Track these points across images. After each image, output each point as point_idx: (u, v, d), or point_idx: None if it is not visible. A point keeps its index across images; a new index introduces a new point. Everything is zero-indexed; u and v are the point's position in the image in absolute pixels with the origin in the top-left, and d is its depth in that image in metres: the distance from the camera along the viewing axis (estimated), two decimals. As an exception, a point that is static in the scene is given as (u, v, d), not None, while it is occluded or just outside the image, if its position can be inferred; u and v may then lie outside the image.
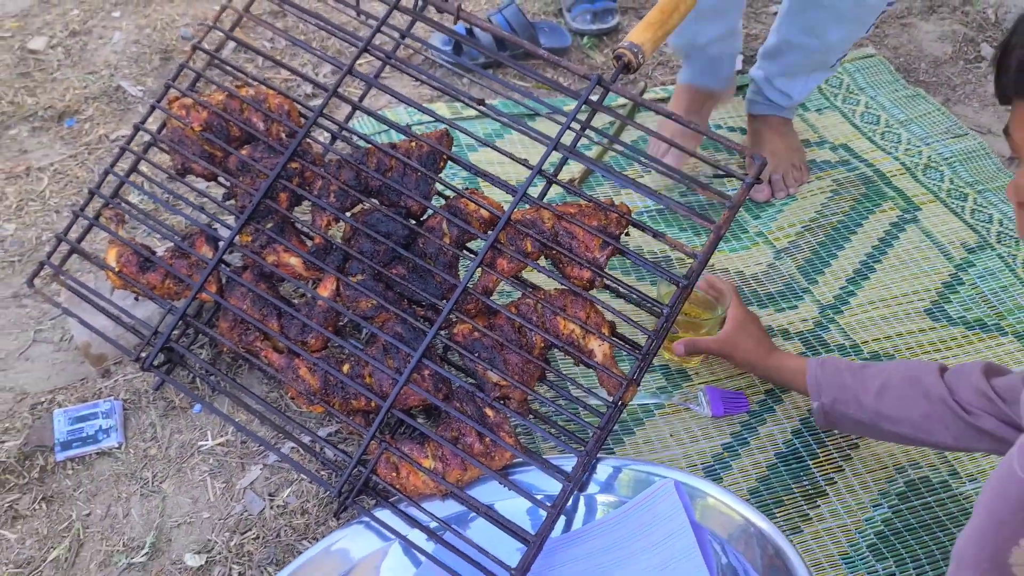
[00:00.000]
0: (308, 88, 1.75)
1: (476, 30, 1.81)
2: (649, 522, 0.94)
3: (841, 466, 1.12)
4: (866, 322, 1.31)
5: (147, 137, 1.19)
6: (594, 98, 1.03)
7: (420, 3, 1.13)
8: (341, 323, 1.12)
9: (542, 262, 1.04)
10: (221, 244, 1.09)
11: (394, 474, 0.95)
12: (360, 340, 1.18)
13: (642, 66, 1.01)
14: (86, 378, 1.19)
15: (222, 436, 1.12)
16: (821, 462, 1.12)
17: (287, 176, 1.10)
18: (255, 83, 1.19)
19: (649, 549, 0.94)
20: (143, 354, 1.09)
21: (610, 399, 0.94)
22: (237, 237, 1.08)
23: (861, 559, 1.02)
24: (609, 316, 0.99)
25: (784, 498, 1.08)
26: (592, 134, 1.47)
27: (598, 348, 0.97)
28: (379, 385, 1.00)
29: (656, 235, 0.98)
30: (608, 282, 1.00)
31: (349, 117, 1.26)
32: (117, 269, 1.11)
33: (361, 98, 1.25)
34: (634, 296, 1.02)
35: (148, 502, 1.06)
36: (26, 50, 1.77)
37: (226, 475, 1.09)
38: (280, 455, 1.01)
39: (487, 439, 0.95)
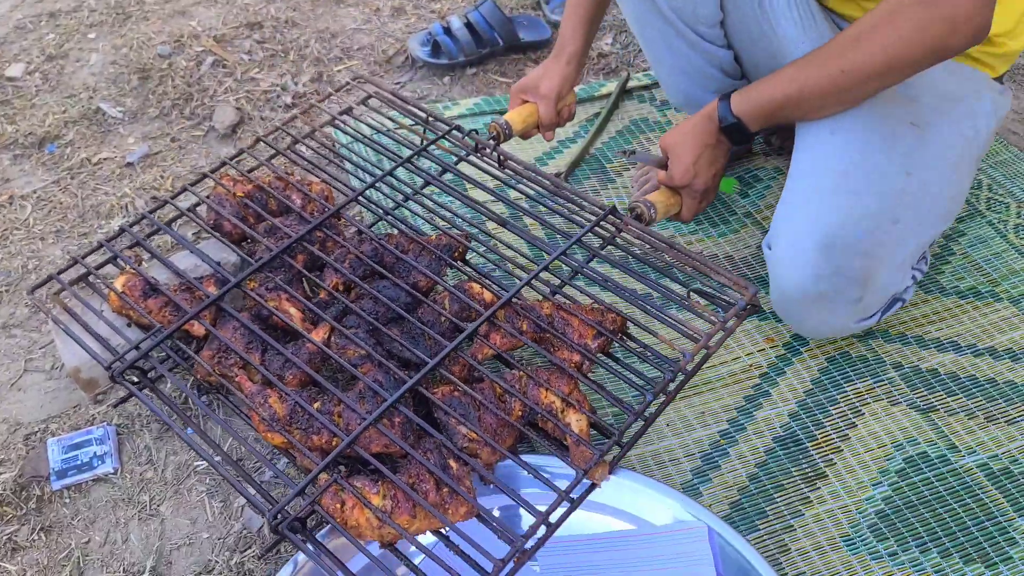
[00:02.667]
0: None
1: (453, 26, 1.79)
2: (671, 556, 0.94)
3: (840, 447, 1.11)
4: (858, 299, 1.30)
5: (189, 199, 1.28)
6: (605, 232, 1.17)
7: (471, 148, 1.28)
8: (325, 372, 1.13)
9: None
10: (229, 284, 1.12)
11: (338, 506, 0.91)
12: (340, 387, 1.17)
13: (653, 222, 1.17)
14: (79, 405, 1.19)
15: (217, 456, 1.12)
16: (819, 444, 1.11)
17: (309, 241, 1.17)
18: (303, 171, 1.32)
19: None
20: (115, 364, 1.05)
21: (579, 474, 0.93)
22: (245, 281, 1.12)
23: (862, 539, 1.02)
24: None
25: (784, 482, 1.08)
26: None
27: (576, 422, 0.99)
28: (346, 425, 0.98)
29: (644, 349, 1.05)
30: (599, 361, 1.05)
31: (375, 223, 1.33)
32: (120, 291, 1.11)
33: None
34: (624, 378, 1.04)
35: (147, 526, 1.06)
36: (3, 78, 1.77)
37: (223, 494, 1.08)
38: (220, 471, 0.96)
39: (444, 491, 0.92)
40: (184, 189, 1.26)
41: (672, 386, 1.01)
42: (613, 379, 1.16)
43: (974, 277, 1.32)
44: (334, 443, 0.99)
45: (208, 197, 1.25)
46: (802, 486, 1.07)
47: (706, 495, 1.07)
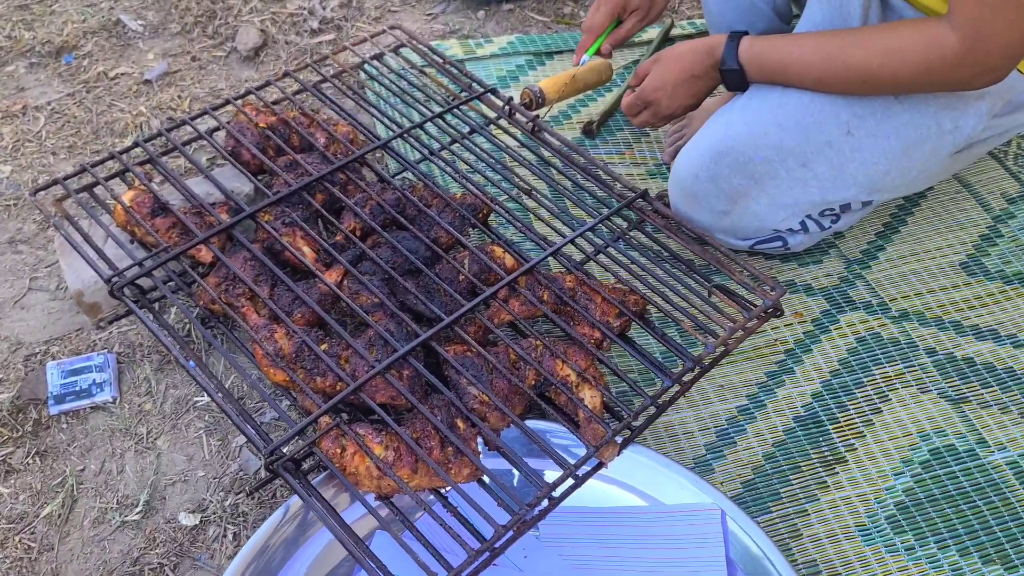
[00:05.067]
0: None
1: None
2: (682, 535, 0.91)
3: (862, 432, 1.06)
4: (896, 278, 1.23)
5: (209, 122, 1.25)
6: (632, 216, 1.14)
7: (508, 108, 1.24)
8: (334, 316, 1.08)
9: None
10: (243, 213, 1.08)
11: (338, 451, 0.88)
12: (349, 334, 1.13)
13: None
14: (81, 329, 1.15)
15: (218, 392, 1.09)
16: (841, 427, 1.07)
17: (331, 182, 1.13)
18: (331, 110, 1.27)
19: (672, 562, 0.90)
20: (115, 279, 1.01)
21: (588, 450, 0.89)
22: (260, 212, 1.08)
23: (879, 531, 0.97)
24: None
25: (801, 464, 1.03)
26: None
27: (590, 397, 0.95)
28: (353, 371, 0.95)
29: (662, 338, 1.02)
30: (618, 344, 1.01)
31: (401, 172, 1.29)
32: (128, 204, 1.07)
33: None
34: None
35: (143, 459, 1.04)
36: (23, -19, 1.71)
37: (221, 432, 1.06)
38: (218, 401, 0.92)
39: (448, 450, 0.89)
40: (204, 112, 1.21)
41: (688, 377, 0.97)
42: (625, 362, 1.12)
43: (1022, 262, 1.25)
44: (339, 387, 0.95)
45: (229, 123, 1.20)
46: (820, 470, 1.03)
47: (719, 472, 1.03)
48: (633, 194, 1.13)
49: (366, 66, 1.31)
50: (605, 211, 1.11)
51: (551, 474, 0.90)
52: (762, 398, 1.10)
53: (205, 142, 1.29)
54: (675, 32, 1.64)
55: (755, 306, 1.02)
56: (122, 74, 1.54)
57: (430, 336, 0.96)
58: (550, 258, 1.06)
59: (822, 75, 1.04)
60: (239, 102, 1.22)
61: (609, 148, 1.43)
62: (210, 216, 1.09)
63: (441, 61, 1.31)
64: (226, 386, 1.07)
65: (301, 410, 0.98)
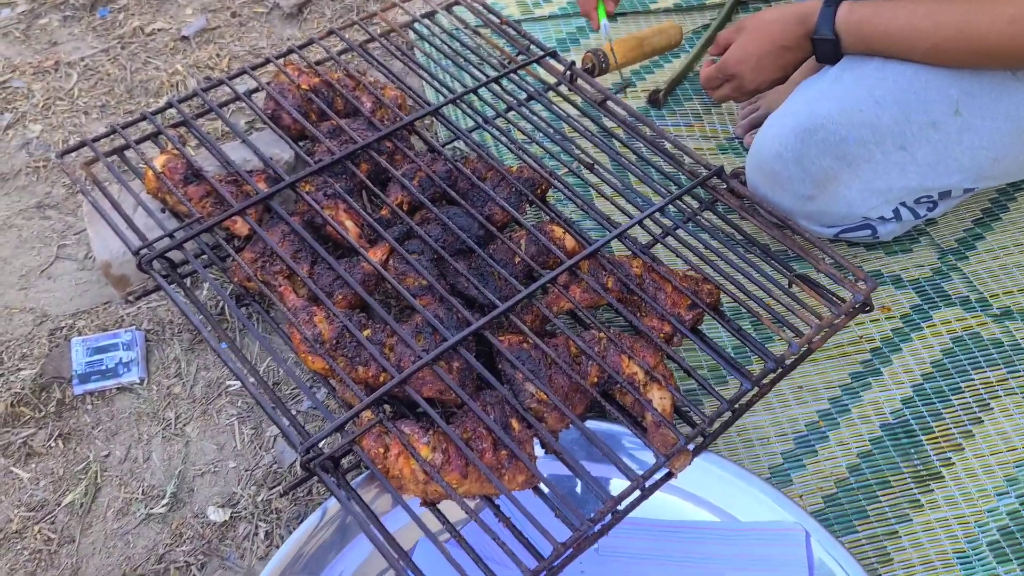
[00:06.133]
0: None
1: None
2: (760, 556, 0.81)
3: (960, 444, 0.95)
4: (996, 271, 1.11)
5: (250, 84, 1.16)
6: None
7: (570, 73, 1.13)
8: (377, 298, 1.00)
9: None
10: (282, 183, 0.98)
11: (381, 451, 0.79)
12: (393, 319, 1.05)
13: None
14: (109, 302, 1.08)
15: (251, 377, 1.01)
16: (936, 438, 0.96)
17: (377, 151, 1.04)
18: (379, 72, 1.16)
19: None
20: (143, 251, 0.92)
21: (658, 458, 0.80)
22: (300, 182, 0.99)
23: (980, 559, 0.87)
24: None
25: (891, 478, 0.93)
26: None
27: (659, 399, 0.85)
28: (398, 361, 0.86)
29: (738, 332, 0.92)
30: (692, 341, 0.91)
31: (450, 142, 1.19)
32: (160, 170, 1.00)
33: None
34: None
35: (170, 446, 0.96)
36: (58, -70, 1.62)
37: (255, 420, 0.98)
38: (250, 389, 0.84)
39: (502, 453, 0.80)
40: (242, 71, 1.11)
41: (768, 379, 0.87)
42: (693, 357, 1.02)
43: None
44: (382, 379, 0.86)
45: (269, 84, 1.11)
46: (912, 486, 0.92)
47: (797, 484, 0.93)
48: (707, 171, 1.02)
49: (416, 25, 1.21)
50: (674, 188, 1.01)
51: (613, 481, 0.81)
52: (846, 402, 0.99)
53: (243, 104, 1.20)
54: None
55: (843, 301, 0.91)
56: (159, 30, 1.45)
57: (483, 325, 0.87)
58: (614, 240, 0.96)
59: (934, 45, 0.92)
60: (280, 61, 1.13)
61: (676, 119, 1.31)
62: (247, 185, 1.01)
63: (497, 21, 1.20)
64: (260, 371, 0.99)
65: (340, 401, 0.89)
